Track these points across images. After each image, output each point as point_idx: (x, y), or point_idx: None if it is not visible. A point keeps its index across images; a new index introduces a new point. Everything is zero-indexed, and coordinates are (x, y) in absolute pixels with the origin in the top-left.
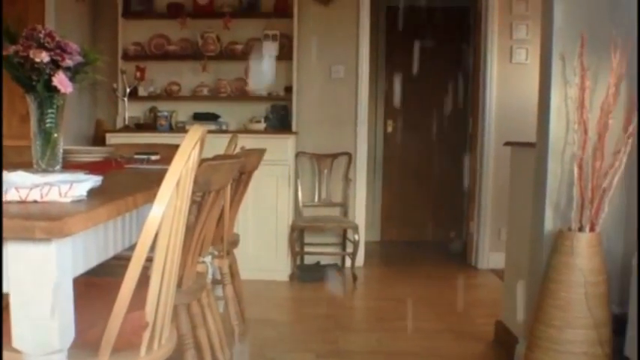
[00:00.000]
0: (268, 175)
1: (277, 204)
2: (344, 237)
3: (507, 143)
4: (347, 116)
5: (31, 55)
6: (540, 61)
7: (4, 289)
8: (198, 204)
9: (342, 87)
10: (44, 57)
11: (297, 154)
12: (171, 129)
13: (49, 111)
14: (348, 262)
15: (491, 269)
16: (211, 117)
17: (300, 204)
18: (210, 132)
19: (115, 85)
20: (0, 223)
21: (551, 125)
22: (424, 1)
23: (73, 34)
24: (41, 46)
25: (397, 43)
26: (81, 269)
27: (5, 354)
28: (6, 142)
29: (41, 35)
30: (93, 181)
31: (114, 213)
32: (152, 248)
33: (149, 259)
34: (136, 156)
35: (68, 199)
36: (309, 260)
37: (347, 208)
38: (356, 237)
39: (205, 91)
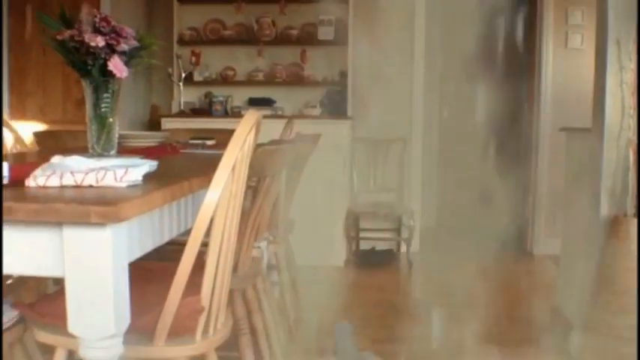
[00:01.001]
0: (324, 160)
1: (333, 189)
2: (399, 223)
3: (563, 129)
4: (402, 101)
5: (87, 40)
6: (596, 46)
7: (61, 274)
8: (253, 189)
9: (398, 72)
10: (99, 41)
11: (353, 140)
12: (226, 114)
13: (105, 95)
14: (403, 248)
15: (547, 255)
16: (267, 102)
17: (356, 189)
18: (265, 117)
19: (170, 70)
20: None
21: (606, 110)
22: None
23: (128, 19)
24: (96, 31)
25: (453, 28)
26: (136, 254)
27: (61, 339)
28: (62, 127)
29: (96, 19)
30: (148, 165)
31: (169, 198)
32: (207, 233)
33: (204, 244)
34: (192, 141)
35: (124, 184)
36: (364, 246)
37: (402, 194)
38: (411, 222)
39: (260, 76)
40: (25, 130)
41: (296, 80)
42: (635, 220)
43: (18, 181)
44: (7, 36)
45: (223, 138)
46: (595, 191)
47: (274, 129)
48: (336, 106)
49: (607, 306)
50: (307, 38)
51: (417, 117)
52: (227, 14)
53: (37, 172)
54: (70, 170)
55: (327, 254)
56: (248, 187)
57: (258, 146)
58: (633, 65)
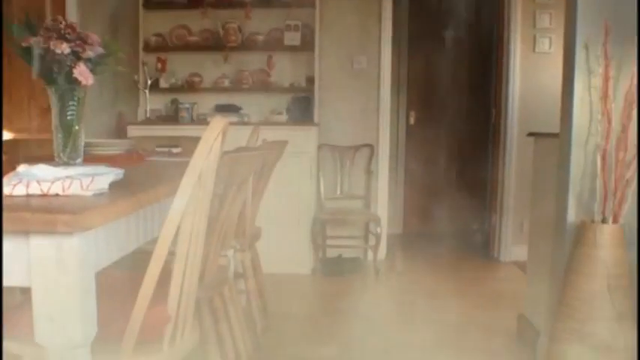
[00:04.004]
0: (290, 167)
1: (299, 197)
2: (366, 230)
3: (530, 134)
4: (369, 108)
5: (52, 47)
6: (564, 50)
7: (27, 283)
8: (220, 197)
9: (364, 78)
10: (65, 48)
11: (319, 147)
12: (192, 121)
13: (70, 103)
14: (370, 256)
15: (514, 262)
16: (233, 109)
17: (323, 196)
18: (231, 124)
19: (136, 77)
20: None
21: (574, 116)
22: None
23: (94, 26)
24: (62, 38)
25: (420, 33)
26: (103, 263)
27: (28, 349)
28: (27, 136)
29: (62, 26)
30: (114, 174)
31: (136, 206)
32: (174, 241)
33: (171, 253)
34: (158, 148)
35: (90, 193)
36: (331, 253)
37: (369, 201)
38: (378, 230)
39: (227, 83)
40: None
41: (262, 86)
42: (603, 226)
43: None
44: None
45: (189, 145)
46: (562, 197)
47: (241, 136)
48: (302, 113)
49: (573, 313)
50: (273, 44)
51: (383, 123)
52: (193, 20)
53: (4, 181)
54: (36, 179)
55: (293, 262)
56: (214, 194)
57: (224, 153)
58: (601, 69)
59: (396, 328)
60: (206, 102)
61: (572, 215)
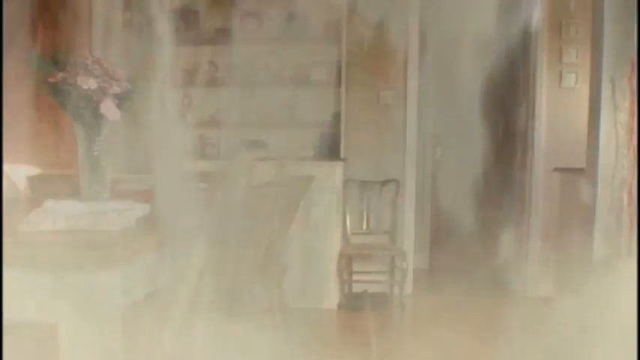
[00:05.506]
0: (316, 202)
1: (325, 231)
2: (392, 265)
3: (557, 169)
4: (395, 143)
5: (79, 82)
6: (590, 85)
7: (52, 319)
8: (246, 231)
9: (391, 113)
10: (92, 84)
11: (345, 181)
12: (219, 156)
13: (97, 139)
14: (396, 290)
15: (541, 297)
16: (259, 144)
17: (348, 231)
18: (257, 159)
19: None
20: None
21: (600, 150)
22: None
23: (121, 61)
24: (89, 73)
25: (446, 67)
26: (129, 298)
27: None
28: (54, 171)
29: (89, 62)
30: (141, 209)
31: (162, 242)
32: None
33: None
34: None
35: (117, 228)
36: (357, 288)
37: (395, 236)
38: (404, 265)
39: (253, 118)
40: (18, 175)
41: (288, 121)
42: (628, 261)
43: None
44: None
45: (216, 181)
46: (588, 232)
47: (267, 171)
48: (328, 148)
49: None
50: (300, 79)
51: (409, 158)
52: (219, 55)
53: (31, 216)
54: (63, 214)
55: (319, 297)
56: (241, 229)
57: (250, 188)
58: (627, 104)
59: None
60: (232, 137)
61: (598, 250)
